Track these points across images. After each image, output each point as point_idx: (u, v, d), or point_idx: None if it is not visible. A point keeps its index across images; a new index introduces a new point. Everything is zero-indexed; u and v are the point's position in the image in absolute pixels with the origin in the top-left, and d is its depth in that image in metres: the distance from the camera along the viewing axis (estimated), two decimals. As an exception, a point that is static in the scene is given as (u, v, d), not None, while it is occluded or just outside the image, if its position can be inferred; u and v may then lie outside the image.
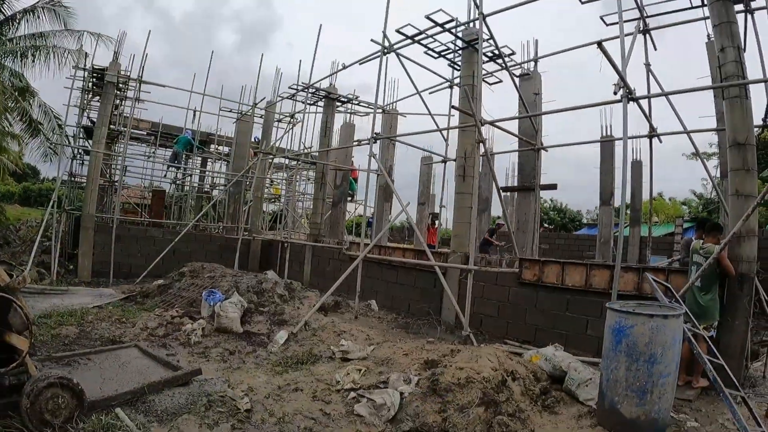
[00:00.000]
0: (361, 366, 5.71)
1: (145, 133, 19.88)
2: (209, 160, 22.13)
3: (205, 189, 21.19)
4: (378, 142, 10.77)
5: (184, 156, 18.15)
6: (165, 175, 19.26)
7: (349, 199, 17.22)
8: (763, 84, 7.84)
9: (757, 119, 7.70)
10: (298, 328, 7.41)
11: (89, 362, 5.36)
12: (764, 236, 12.32)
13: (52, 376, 3.74)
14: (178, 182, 19.60)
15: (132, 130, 15.72)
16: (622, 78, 6.49)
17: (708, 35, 9.23)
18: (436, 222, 16.95)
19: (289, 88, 14.57)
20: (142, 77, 13.96)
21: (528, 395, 5.09)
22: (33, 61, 14.09)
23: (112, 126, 14.76)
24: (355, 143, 12.52)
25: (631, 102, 6.76)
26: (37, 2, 14.80)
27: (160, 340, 6.87)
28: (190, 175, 19.52)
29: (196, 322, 7.43)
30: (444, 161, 13.90)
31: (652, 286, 5.79)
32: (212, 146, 21.51)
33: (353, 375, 5.39)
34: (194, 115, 17.99)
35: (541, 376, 5.63)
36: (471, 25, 9.95)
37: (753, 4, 8.19)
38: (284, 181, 21.54)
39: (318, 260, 13.34)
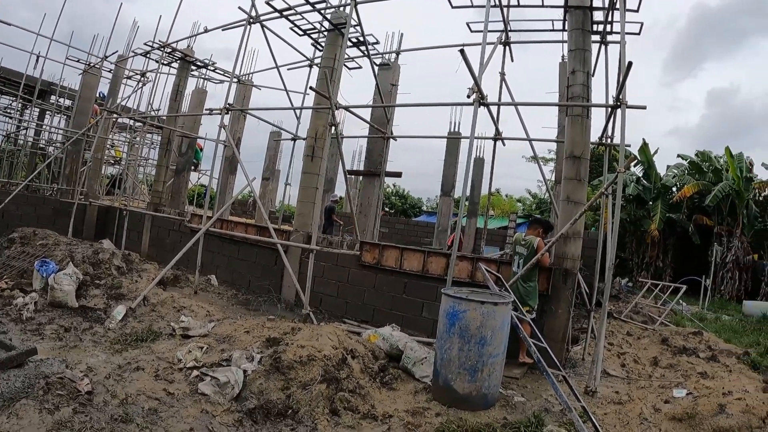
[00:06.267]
0: (202, 343, 5.56)
1: (-19, 76, 17.43)
2: (48, 112, 19.82)
3: (41, 145, 19.12)
4: (230, 113, 10.45)
5: None
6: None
7: (193, 168, 16.55)
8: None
9: (594, 137, 8.52)
10: (137, 303, 7.03)
11: None
12: (589, 237, 13.93)
13: None
14: (11, 135, 17.52)
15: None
16: (477, 84, 6.86)
17: (563, 56, 10.09)
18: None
19: (145, 44, 13.69)
20: (-12, 13, 12.20)
21: (367, 372, 5.30)
22: None
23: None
24: (206, 112, 12.02)
25: (481, 106, 7.16)
26: None
27: (-11, 316, 6.13)
28: (26, 129, 17.52)
29: (28, 296, 6.72)
30: (294, 139, 13.78)
31: (485, 276, 6.37)
32: (53, 98, 19.37)
33: (195, 353, 5.25)
34: (37, 60, 16.27)
35: (379, 354, 5.88)
36: (341, 9, 9.92)
37: (609, 38, 9.02)
38: (126, 143, 20.07)
39: (158, 231, 12.61)
